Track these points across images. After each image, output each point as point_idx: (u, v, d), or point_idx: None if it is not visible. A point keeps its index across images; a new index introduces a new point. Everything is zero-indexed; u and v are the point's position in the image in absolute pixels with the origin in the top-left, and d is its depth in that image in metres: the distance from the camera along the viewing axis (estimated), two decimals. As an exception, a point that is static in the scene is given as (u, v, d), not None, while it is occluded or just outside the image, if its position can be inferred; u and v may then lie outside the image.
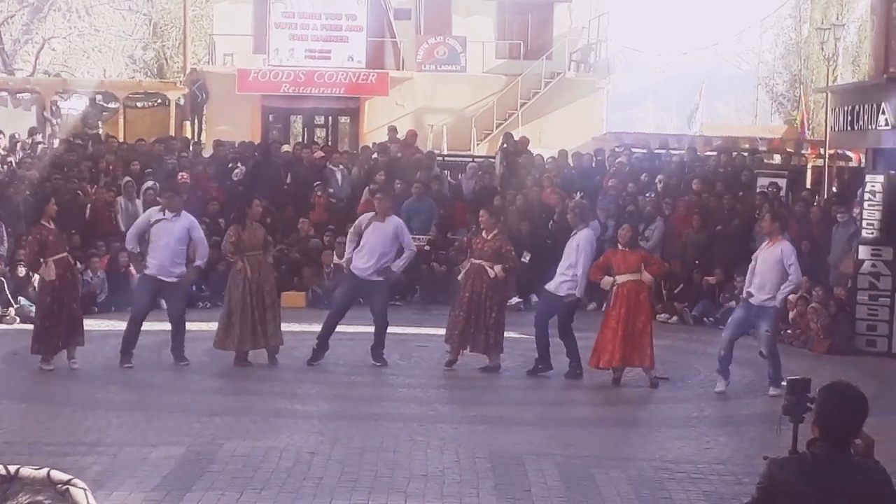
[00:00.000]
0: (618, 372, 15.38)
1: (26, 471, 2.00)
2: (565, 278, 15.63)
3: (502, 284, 16.12)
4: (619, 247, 15.66)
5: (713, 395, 14.91)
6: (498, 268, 15.90)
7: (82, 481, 2.02)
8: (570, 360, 15.72)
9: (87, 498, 2.00)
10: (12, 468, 2.00)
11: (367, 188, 25.10)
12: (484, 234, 16.22)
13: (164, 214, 15.72)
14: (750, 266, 15.15)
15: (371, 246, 16.08)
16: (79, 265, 16.13)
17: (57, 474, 2.01)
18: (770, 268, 14.73)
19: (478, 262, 15.98)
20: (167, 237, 15.60)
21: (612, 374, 15.42)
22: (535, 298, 22.59)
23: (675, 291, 22.35)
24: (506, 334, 16.22)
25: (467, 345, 16.07)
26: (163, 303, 16.71)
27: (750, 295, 14.86)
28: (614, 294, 15.36)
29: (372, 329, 16.38)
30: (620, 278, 15.34)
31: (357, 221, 16.75)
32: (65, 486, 1.99)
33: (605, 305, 16.66)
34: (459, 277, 16.43)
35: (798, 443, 5.90)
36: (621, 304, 15.26)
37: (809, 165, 32.09)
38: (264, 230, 16.53)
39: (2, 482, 1.97)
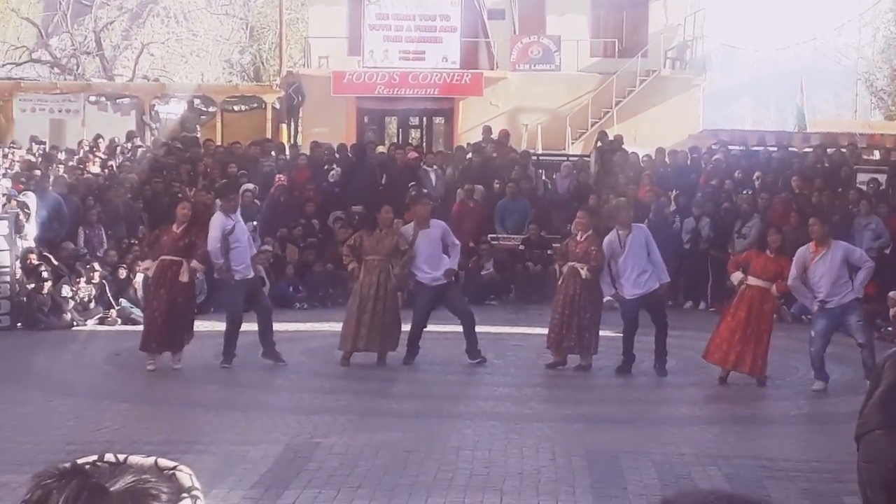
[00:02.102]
0: (725, 372, 15.28)
1: (135, 459, 2.08)
2: (646, 275, 15.64)
3: (594, 284, 16.10)
4: (767, 252, 15.49)
5: (812, 393, 14.77)
6: (584, 269, 15.94)
7: (188, 468, 2.10)
8: (657, 355, 15.69)
9: (192, 480, 2.08)
10: (121, 456, 2.08)
11: (459, 189, 25.21)
12: (578, 236, 16.23)
13: (232, 218, 15.92)
14: (805, 279, 14.72)
15: (428, 253, 16.30)
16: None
17: (164, 462, 2.09)
18: (832, 274, 14.46)
19: (572, 263, 16.02)
20: (243, 237, 15.92)
21: (719, 372, 15.35)
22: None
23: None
24: (601, 333, 16.20)
25: (565, 344, 16.10)
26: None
27: (824, 303, 14.58)
28: (741, 294, 15.25)
29: (459, 328, 16.45)
30: (753, 280, 15.21)
31: (403, 232, 16.66)
32: (171, 472, 2.07)
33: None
34: (559, 282, 16.45)
35: None
36: (746, 306, 15.15)
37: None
38: (395, 238, 16.39)
39: (112, 468, 2.05)
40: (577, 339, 15.94)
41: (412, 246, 16.26)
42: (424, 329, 16.39)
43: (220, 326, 16.44)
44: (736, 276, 15.44)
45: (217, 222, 15.84)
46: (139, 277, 19.32)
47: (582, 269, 15.89)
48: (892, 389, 6.63)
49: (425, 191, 23.72)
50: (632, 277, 15.68)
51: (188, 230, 15.56)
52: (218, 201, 16.46)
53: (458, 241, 17.05)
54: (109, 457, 2.06)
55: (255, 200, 23.56)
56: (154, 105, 34.62)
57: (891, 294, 16.83)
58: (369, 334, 15.86)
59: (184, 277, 15.39)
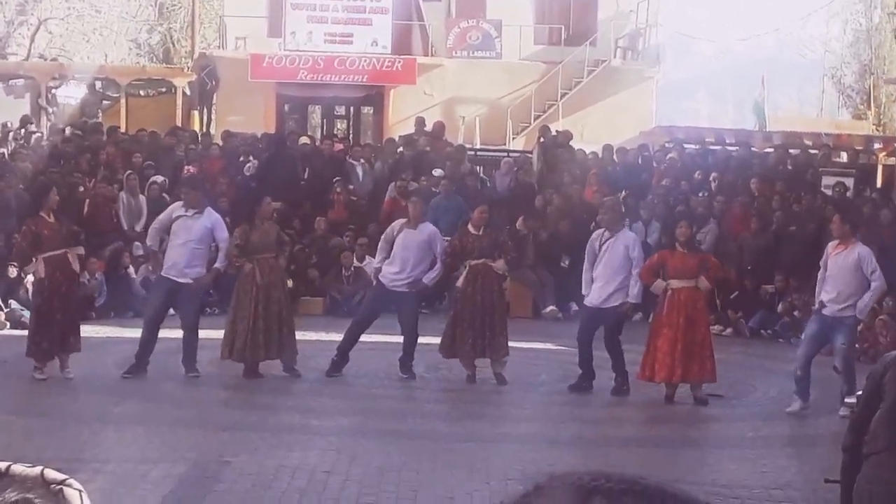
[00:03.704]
0: (672, 388, 15.30)
1: (18, 468, 2.02)
2: (612, 288, 15.56)
3: (500, 282, 16.39)
4: (677, 247, 15.57)
5: (771, 414, 14.85)
6: (500, 262, 16.10)
7: (78, 482, 2.04)
8: (616, 375, 15.70)
9: (81, 499, 2.02)
10: (3, 465, 2.02)
11: (391, 185, 25.17)
12: (475, 230, 16.29)
13: (185, 211, 15.77)
14: (819, 274, 14.96)
15: (403, 255, 16.19)
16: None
17: (51, 473, 2.03)
18: (844, 275, 14.56)
19: (478, 261, 16.07)
20: (185, 235, 15.66)
21: (664, 389, 15.36)
22: (574, 307, 22.62)
23: (730, 299, 22.29)
24: (544, 346, 16.27)
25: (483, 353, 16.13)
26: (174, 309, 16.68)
27: (823, 305, 14.67)
28: (668, 301, 15.24)
29: (395, 339, 16.43)
30: (676, 283, 15.22)
31: (389, 228, 16.80)
32: (59, 486, 2.01)
33: (651, 314, 16.64)
34: (458, 283, 16.47)
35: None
36: (679, 312, 15.15)
37: (880, 164, 31.95)
38: (278, 228, 16.57)
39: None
40: (490, 345, 15.97)
41: (391, 244, 16.19)
42: (361, 336, 16.31)
43: (121, 332, 16.30)
44: (658, 285, 15.40)
45: (170, 207, 16.26)
46: (31, 277, 19.08)
47: (494, 264, 16.02)
48: None
49: (405, 186, 23.53)
50: (599, 285, 15.66)
51: (59, 217, 15.37)
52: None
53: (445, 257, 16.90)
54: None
55: (164, 194, 23.38)
56: (51, 87, 34.27)
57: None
58: (269, 341, 15.72)
59: (75, 266, 15.29)
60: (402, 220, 16.67)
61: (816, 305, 14.92)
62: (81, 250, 15.92)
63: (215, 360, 16.23)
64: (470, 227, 16.49)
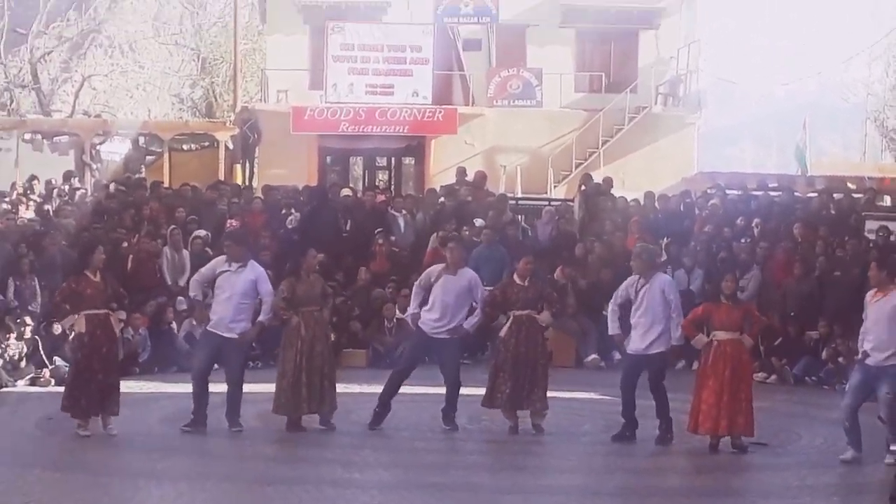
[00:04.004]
0: (717, 439, 15.24)
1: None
2: (655, 334, 15.53)
3: (543, 333, 16.49)
4: (723, 300, 15.54)
5: (816, 463, 14.73)
6: (545, 314, 16.14)
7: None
8: (661, 423, 15.65)
9: None
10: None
11: (433, 235, 25.21)
12: (520, 281, 16.33)
13: (228, 265, 15.89)
14: (865, 326, 14.88)
15: (443, 301, 16.18)
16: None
17: None
18: (884, 323, 14.42)
19: (522, 312, 16.10)
20: (230, 290, 15.73)
21: (709, 438, 15.29)
22: (617, 356, 22.57)
23: (774, 346, 22.18)
24: (586, 395, 16.23)
25: (522, 405, 16.13)
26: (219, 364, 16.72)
27: (866, 355, 14.51)
28: (714, 352, 15.18)
29: (437, 390, 16.43)
30: (721, 335, 15.21)
31: (426, 273, 16.79)
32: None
33: (696, 364, 16.59)
34: (501, 333, 16.45)
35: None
36: (725, 364, 15.10)
37: (925, 207, 31.80)
38: (323, 281, 16.62)
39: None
40: (529, 397, 15.98)
41: (429, 291, 16.25)
42: (402, 385, 16.33)
43: (165, 387, 16.36)
44: (699, 340, 15.38)
45: (213, 261, 16.35)
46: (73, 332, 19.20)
47: (538, 316, 16.11)
48: None
49: (446, 235, 23.63)
50: (640, 332, 15.65)
51: (106, 277, 15.47)
52: None
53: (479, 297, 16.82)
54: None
55: (207, 248, 23.53)
56: (95, 143, 34.58)
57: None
58: (311, 394, 15.76)
59: (116, 329, 15.40)
60: (439, 266, 16.65)
61: (860, 356, 14.79)
62: (123, 315, 16.01)
63: (259, 415, 16.28)
64: (515, 278, 16.51)
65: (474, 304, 16.40)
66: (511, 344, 16.11)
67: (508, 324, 16.26)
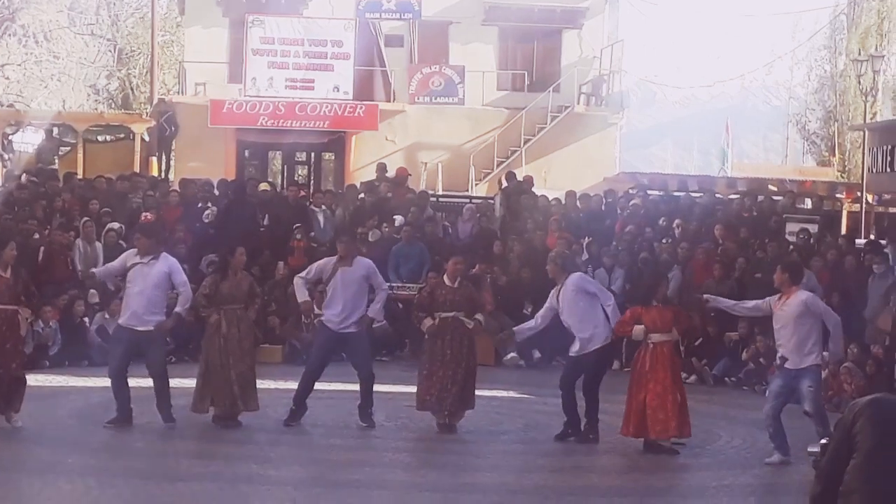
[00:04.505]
0: (653, 440, 15.21)
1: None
2: (586, 334, 15.54)
3: (472, 335, 16.41)
4: (654, 302, 15.56)
5: (735, 463, 14.82)
6: (478, 317, 16.26)
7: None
8: (588, 422, 15.66)
9: None
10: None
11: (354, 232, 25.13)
12: (449, 282, 16.29)
13: (140, 258, 15.71)
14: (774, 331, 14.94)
15: (342, 295, 16.11)
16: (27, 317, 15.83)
17: None
18: (791, 326, 14.53)
19: (450, 314, 16.06)
20: (142, 283, 15.56)
21: (633, 440, 15.27)
22: (537, 354, 22.61)
23: (694, 346, 22.29)
24: (506, 394, 16.21)
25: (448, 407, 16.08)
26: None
27: (784, 360, 14.61)
28: (650, 355, 15.19)
29: (354, 387, 16.36)
30: (656, 337, 15.25)
31: (316, 267, 16.62)
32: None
33: (626, 365, 16.60)
34: (431, 335, 16.36)
35: None
36: (664, 366, 15.18)
37: (845, 210, 32.19)
38: (251, 280, 16.43)
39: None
40: (457, 397, 15.95)
41: (327, 283, 16.15)
42: (316, 383, 16.23)
43: (75, 381, 16.17)
44: (639, 330, 15.40)
45: (124, 254, 16.17)
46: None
47: (467, 319, 16.10)
48: (874, 456, 6.48)
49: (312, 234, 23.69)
50: (574, 335, 15.67)
51: (17, 273, 15.23)
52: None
53: (387, 286, 16.94)
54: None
55: (121, 241, 23.28)
56: (8, 134, 34.19)
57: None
58: (232, 392, 15.63)
59: (22, 329, 15.17)
60: (332, 259, 16.55)
61: (777, 361, 14.88)
62: (29, 314, 15.76)
63: (174, 410, 16.10)
64: (445, 279, 16.44)
65: (375, 288, 16.33)
66: (437, 347, 16.05)
67: (434, 326, 16.15)
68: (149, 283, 15.55)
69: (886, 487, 6.34)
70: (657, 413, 15.01)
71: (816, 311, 14.61)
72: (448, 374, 15.96)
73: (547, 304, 15.93)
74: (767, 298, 14.99)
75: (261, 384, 16.45)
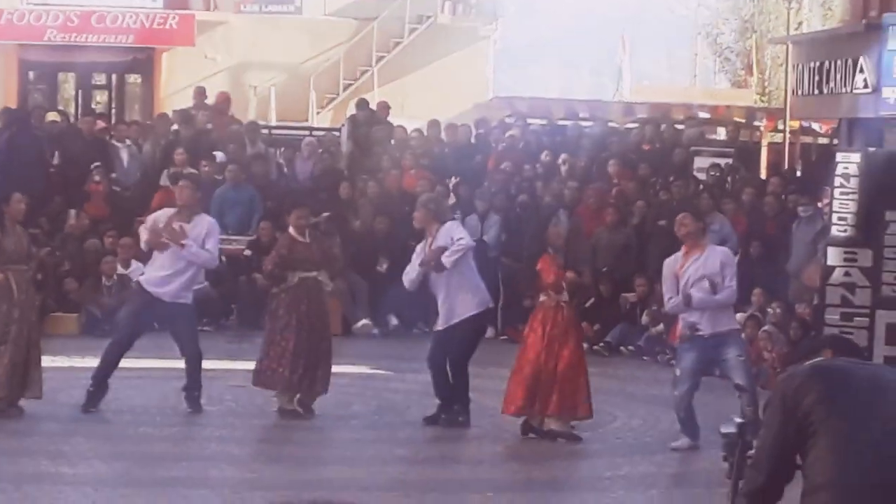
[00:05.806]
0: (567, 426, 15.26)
1: None
2: (458, 298, 15.54)
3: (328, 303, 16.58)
4: (550, 251, 15.61)
5: (633, 448, 15.04)
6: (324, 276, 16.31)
7: None
8: (459, 403, 15.71)
9: None
10: None
11: (164, 172, 24.98)
12: (297, 235, 16.31)
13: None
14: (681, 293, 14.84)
15: (172, 254, 16.07)
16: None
17: None
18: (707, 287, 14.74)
19: (307, 274, 16.07)
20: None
21: (514, 420, 15.34)
22: (394, 321, 22.69)
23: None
24: (356, 370, 16.30)
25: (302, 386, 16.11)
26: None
27: (695, 328, 14.71)
28: (563, 316, 15.19)
29: (170, 363, 16.35)
30: (565, 296, 15.29)
31: (151, 219, 16.62)
32: None
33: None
34: (281, 299, 16.35)
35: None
36: (578, 331, 15.32)
37: (765, 142, 32.65)
38: (27, 234, 16.30)
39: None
40: (311, 376, 15.99)
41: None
42: (122, 359, 16.15)
43: None
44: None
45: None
46: None
47: (327, 281, 16.09)
48: (842, 443, 6.19)
49: (178, 172, 23.38)
50: (439, 305, 15.70)
51: None
52: None
53: (215, 253, 16.72)
54: None
55: None
56: None
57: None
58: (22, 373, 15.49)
59: None
60: (169, 211, 16.48)
61: (687, 331, 14.88)
62: None
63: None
64: (293, 233, 16.37)
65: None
66: (295, 312, 15.98)
67: (289, 288, 16.11)
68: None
69: (865, 480, 6.13)
70: (565, 386, 15.04)
71: (728, 276, 14.69)
72: (304, 345, 15.91)
73: (414, 262, 15.93)
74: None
75: (52, 361, 16.37)
